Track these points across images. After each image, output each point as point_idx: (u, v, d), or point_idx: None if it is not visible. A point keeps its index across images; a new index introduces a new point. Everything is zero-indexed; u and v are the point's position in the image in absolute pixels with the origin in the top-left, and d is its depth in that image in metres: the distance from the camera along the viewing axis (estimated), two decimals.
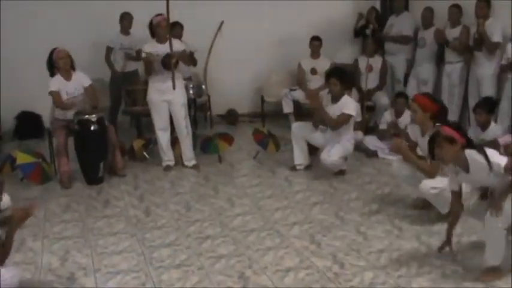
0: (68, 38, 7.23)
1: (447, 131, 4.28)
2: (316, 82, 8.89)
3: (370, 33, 8.60)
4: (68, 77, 6.79)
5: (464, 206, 4.62)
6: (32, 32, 8.80)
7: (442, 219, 5.24)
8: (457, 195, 4.54)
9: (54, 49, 6.81)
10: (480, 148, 4.30)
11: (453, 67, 8.14)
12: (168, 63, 6.75)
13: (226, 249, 4.91)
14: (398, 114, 7.63)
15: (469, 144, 4.32)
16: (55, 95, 6.71)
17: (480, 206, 4.57)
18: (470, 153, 4.23)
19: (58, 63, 6.73)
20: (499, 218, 4.03)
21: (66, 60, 6.74)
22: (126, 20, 8.63)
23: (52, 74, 6.82)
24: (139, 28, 7.92)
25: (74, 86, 6.82)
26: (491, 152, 4.23)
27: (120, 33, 8.68)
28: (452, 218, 4.61)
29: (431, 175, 5.16)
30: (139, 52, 8.21)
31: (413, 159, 5.30)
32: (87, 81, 6.93)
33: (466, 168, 4.27)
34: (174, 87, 6.85)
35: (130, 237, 5.17)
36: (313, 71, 8.97)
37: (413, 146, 5.49)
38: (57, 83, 6.73)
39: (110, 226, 5.46)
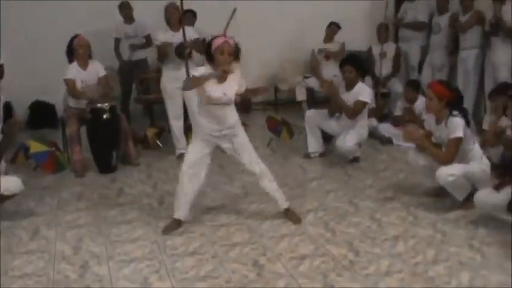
0: (75, 26, 7.18)
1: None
2: (328, 68, 8.82)
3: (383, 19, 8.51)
4: (84, 65, 6.76)
5: None
6: (43, 22, 8.79)
7: (457, 207, 5.19)
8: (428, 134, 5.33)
9: (76, 36, 6.77)
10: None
11: (468, 53, 8.04)
12: (182, 53, 6.73)
13: (240, 237, 4.88)
14: (410, 101, 7.55)
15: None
16: (70, 83, 6.68)
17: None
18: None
19: (77, 51, 6.68)
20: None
21: (85, 49, 6.70)
22: (125, 10, 8.60)
23: (70, 61, 6.79)
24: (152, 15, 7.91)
25: (89, 75, 6.80)
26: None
27: (123, 22, 8.65)
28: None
29: (446, 163, 5.07)
30: (148, 38, 8.19)
31: (428, 146, 5.23)
32: (102, 71, 6.91)
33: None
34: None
35: (144, 226, 5.14)
36: (326, 57, 8.91)
37: (428, 134, 5.40)
38: (74, 70, 6.70)
39: (123, 214, 5.43)
